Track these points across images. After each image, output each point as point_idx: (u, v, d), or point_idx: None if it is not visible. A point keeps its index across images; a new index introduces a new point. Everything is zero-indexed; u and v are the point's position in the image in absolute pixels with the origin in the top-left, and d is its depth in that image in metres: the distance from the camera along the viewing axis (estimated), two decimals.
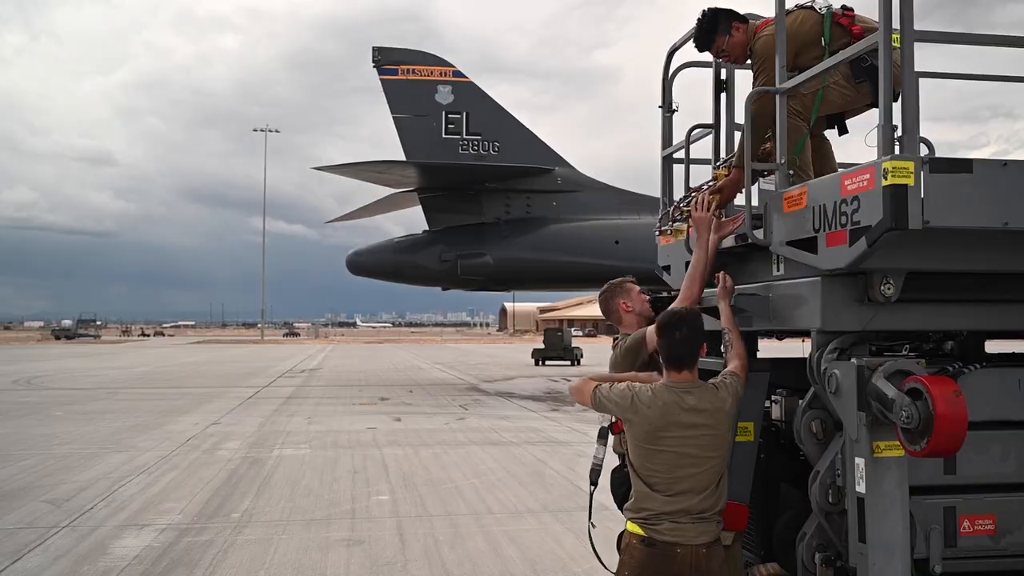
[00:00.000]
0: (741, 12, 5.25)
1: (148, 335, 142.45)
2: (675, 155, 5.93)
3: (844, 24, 4.90)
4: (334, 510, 9.91)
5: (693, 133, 5.45)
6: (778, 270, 4.64)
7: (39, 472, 12.18)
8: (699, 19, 5.23)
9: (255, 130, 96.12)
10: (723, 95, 5.28)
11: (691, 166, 5.54)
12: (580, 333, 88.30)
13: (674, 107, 6.01)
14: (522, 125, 30.50)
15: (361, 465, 12.87)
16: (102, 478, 11.72)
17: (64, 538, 8.52)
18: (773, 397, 4.70)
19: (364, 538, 8.62)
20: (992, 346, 5.10)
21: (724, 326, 4.60)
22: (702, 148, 5.61)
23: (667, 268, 5.91)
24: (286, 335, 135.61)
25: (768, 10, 4.85)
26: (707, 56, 5.48)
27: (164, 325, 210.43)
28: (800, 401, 4.35)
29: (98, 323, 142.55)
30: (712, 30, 5.19)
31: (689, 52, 5.77)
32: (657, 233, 6.08)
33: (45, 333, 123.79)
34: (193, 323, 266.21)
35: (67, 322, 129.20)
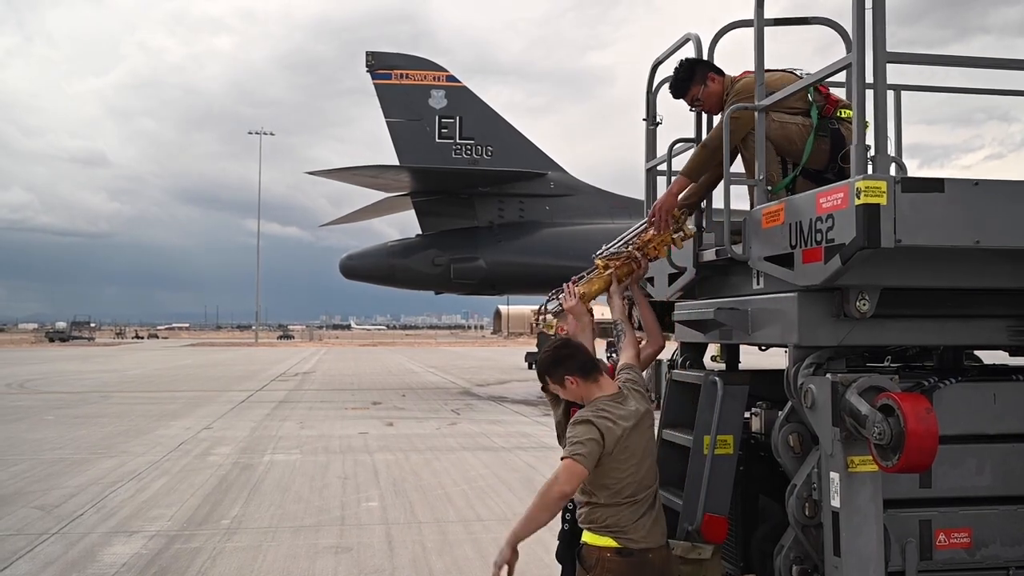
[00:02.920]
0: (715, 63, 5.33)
1: (142, 337, 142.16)
2: (659, 168, 5.99)
3: (822, 91, 4.98)
4: (323, 516, 9.94)
5: (675, 147, 5.51)
6: (758, 284, 4.70)
7: (30, 478, 12.19)
8: (676, 68, 5.34)
9: (250, 133, 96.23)
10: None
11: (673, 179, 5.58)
12: None
13: (658, 120, 6.07)
14: (515, 129, 30.57)
15: (352, 471, 12.90)
16: (93, 484, 11.73)
17: (53, 545, 8.54)
18: (753, 409, 4.75)
19: (352, 545, 8.65)
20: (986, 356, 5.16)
21: (615, 318, 4.74)
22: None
23: (651, 280, 5.96)
24: (280, 337, 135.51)
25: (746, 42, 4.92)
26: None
27: (158, 327, 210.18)
28: (779, 414, 4.40)
29: (92, 325, 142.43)
30: (688, 79, 5.28)
31: (673, 65, 5.85)
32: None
33: (39, 335, 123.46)
34: (187, 325, 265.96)
35: (61, 324, 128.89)
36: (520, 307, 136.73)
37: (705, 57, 5.34)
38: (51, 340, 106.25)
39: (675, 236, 5.08)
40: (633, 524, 4.02)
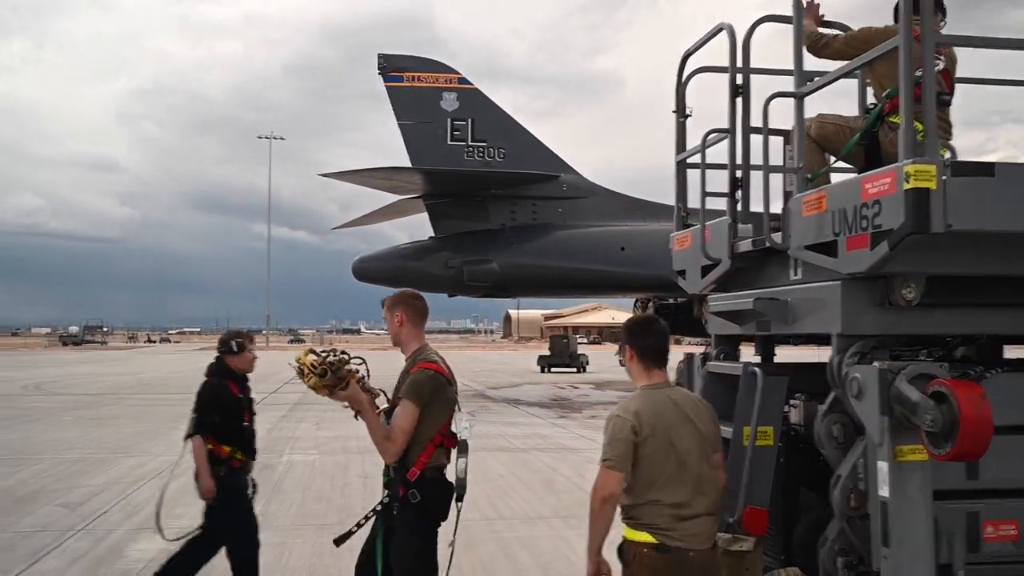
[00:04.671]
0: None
1: (154, 342, 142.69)
2: (689, 160, 5.94)
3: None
4: (346, 515, 9.89)
5: (709, 137, 5.46)
6: (796, 274, 4.65)
7: (52, 476, 12.21)
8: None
9: (260, 137, 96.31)
10: (739, 99, 5.28)
11: (707, 171, 5.54)
12: (585, 340, 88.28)
13: (688, 112, 6.03)
14: (527, 131, 30.58)
15: (372, 471, 12.82)
16: (115, 483, 11.76)
17: (80, 541, 8.58)
18: (792, 401, 4.70)
19: None
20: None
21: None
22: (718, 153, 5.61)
23: (682, 273, 5.91)
24: (291, 341, 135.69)
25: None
26: (723, 61, 5.49)
27: (170, 332, 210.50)
28: (820, 405, 4.34)
29: (105, 329, 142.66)
30: None
31: (702, 57, 5.82)
32: (673, 238, 6.07)
33: (52, 339, 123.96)
34: (199, 329, 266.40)
35: (74, 328, 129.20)
36: (531, 311, 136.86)
37: (739, 51, 5.28)
38: (64, 344, 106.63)
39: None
40: (675, 523, 3.95)
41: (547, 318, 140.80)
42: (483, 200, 29.38)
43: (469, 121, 29.66)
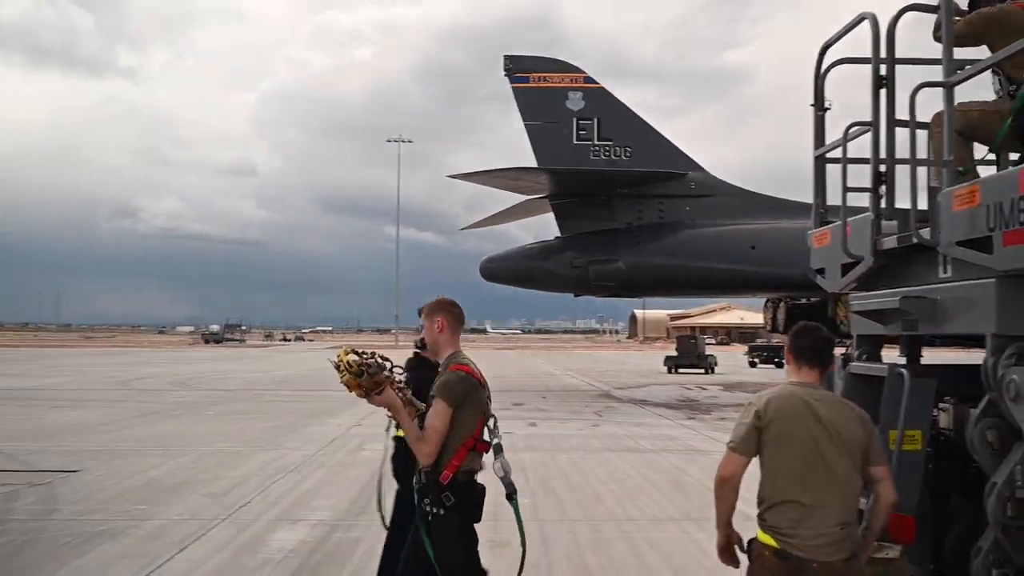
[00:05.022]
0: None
1: (289, 340, 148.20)
2: (828, 155, 5.77)
3: None
4: None
5: (851, 131, 5.28)
6: (945, 272, 4.46)
7: (197, 468, 12.81)
8: None
9: (389, 140, 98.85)
10: (883, 91, 5.09)
11: (848, 166, 5.36)
12: (713, 341, 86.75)
13: (827, 105, 5.86)
14: (654, 130, 30.26)
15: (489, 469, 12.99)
16: (255, 474, 12.24)
17: (224, 530, 8.95)
18: (941, 405, 4.51)
19: (507, 540, 8.67)
20: None
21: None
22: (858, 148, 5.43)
23: (821, 271, 5.74)
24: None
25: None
26: (865, 52, 5.31)
27: (304, 330, 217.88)
28: (972, 409, 4.15)
29: (243, 328, 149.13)
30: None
31: (841, 48, 5.64)
32: (810, 235, 5.91)
33: (195, 337, 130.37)
34: (331, 328, 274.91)
35: (215, 327, 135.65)
36: (656, 311, 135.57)
37: (883, 41, 5.09)
38: (206, 342, 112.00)
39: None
40: (796, 529, 3.80)
41: (673, 318, 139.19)
42: (609, 199, 29.28)
43: (595, 120, 29.59)
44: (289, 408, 22.72)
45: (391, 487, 6.93)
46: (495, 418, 4.80)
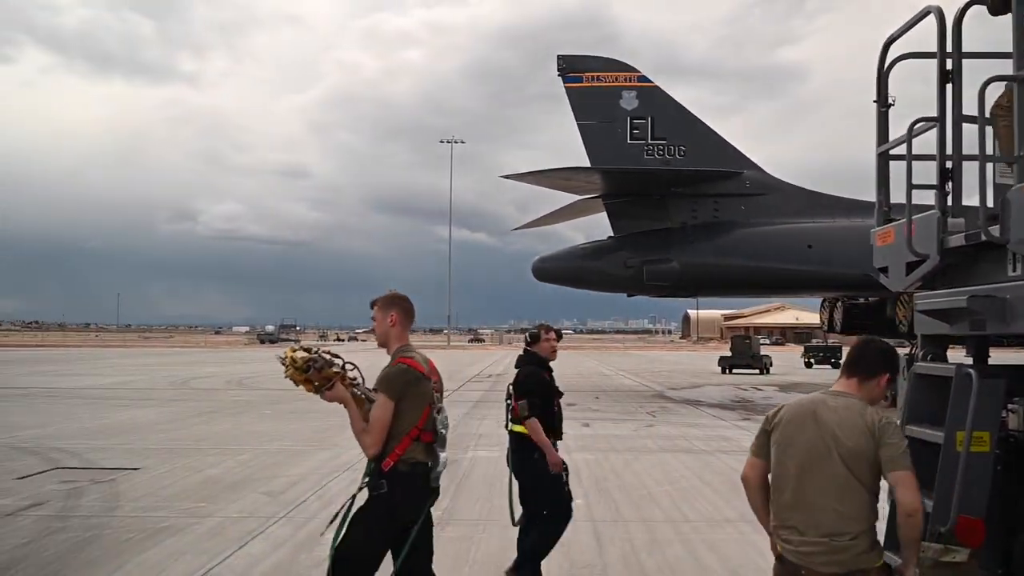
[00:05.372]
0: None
1: (343, 340, 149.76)
2: (892, 151, 5.65)
3: None
4: None
5: (916, 127, 5.16)
6: (1015, 270, 4.34)
7: (255, 466, 13.00)
8: None
9: (441, 141, 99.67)
10: (949, 86, 4.97)
11: (913, 162, 5.24)
12: (767, 341, 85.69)
13: (890, 101, 5.73)
14: (709, 128, 29.99)
15: None
16: (311, 473, 12.38)
17: (282, 528, 9.07)
18: (1010, 406, 4.40)
19: (562, 540, 8.66)
20: None
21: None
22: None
23: (884, 270, 5.63)
24: (471, 341, 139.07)
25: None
26: (930, 46, 5.20)
27: (357, 331, 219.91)
28: None
29: (297, 328, 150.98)
30: None
31: (905, 43, 5.52)
32: (874, 233, 5.79)
33: (251, 337, 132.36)
34: None
35: (270, 327, 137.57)
36: (710, 311, 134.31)
37: (948, 34, 4.98)
38: (262, 342, 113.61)
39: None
40: (790, 535, 3.80)
41: (727, 318, 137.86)
42: (663, 198, 29.10)
43: (649, 119, 29.43)
44: (343, 408, 22.90)
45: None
46: (443, 409, 4.91)
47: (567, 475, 7.21)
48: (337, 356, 5.09)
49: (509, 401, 7.19)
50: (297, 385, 5.00)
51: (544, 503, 7.04)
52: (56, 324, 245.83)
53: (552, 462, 6.97)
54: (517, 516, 7.23)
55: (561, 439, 7.31)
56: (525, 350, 7.44)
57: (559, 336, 7.80)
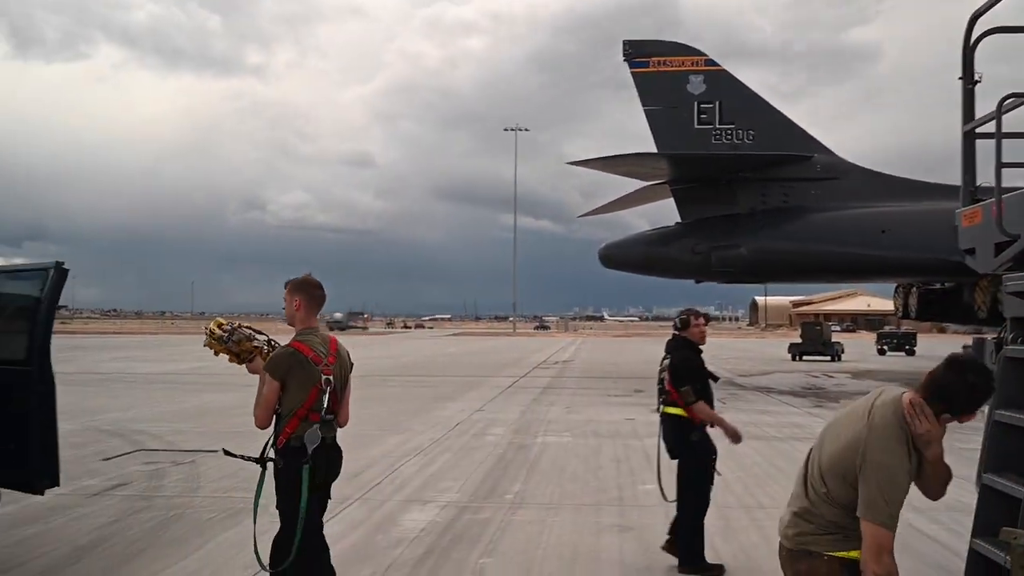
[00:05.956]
0: None
1: (410, 327, 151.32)
2: (978, 130, 5.51)
3: None
4: (602, 496, 10.07)
5: (1006, 103, 5.02)
6: None
7: None
8: None
9: (505, 129, 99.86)
10: None
11: (1003, 140, 5.10)
12: (838, 328, 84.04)
13: (976, 78, 5.59)
14: (778, 112, 29.47)
15: (623, 454, 12.97)
16: (384, 456, 12.56)
17: (358, 509, 9.23)
18: None
19: (634, 525, 8.69)
20: None
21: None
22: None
23: (971, 251, 5.49)
24: (537, 328, 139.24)
25: None
26: (1019, 21, 5.05)
27: (423, 318, 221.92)
28: None
29: (365, 316, 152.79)
30: None
31: (992, 19, 5.36)
32: (959, 214, 5.66)
33: (321, 325, 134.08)
34: (449, 316, 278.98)
35: (338, 315, 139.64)
36: (778, 298, 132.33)
37: None
38: (331, 329, 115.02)
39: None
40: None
41: (796, 305, 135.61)
42: (731, 184, 28.70)
43: (716, 104, 29.05)
44: (412, 393, 23.20)
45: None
46: (328, 391, 5.19)
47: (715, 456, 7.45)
48: (260, 333, 5.70)
49: (661, 385, 7.39)
50: (217, 354, 5.64)
51: (699, 480, 7.27)
52: (133, 312, 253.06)
53: (730, 433, 7.28)
54: (669, 495, 7.53)
55: None
56: (675, 335, 7.56)
57: (707, 320, 7.96)
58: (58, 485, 6.65)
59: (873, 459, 3.42)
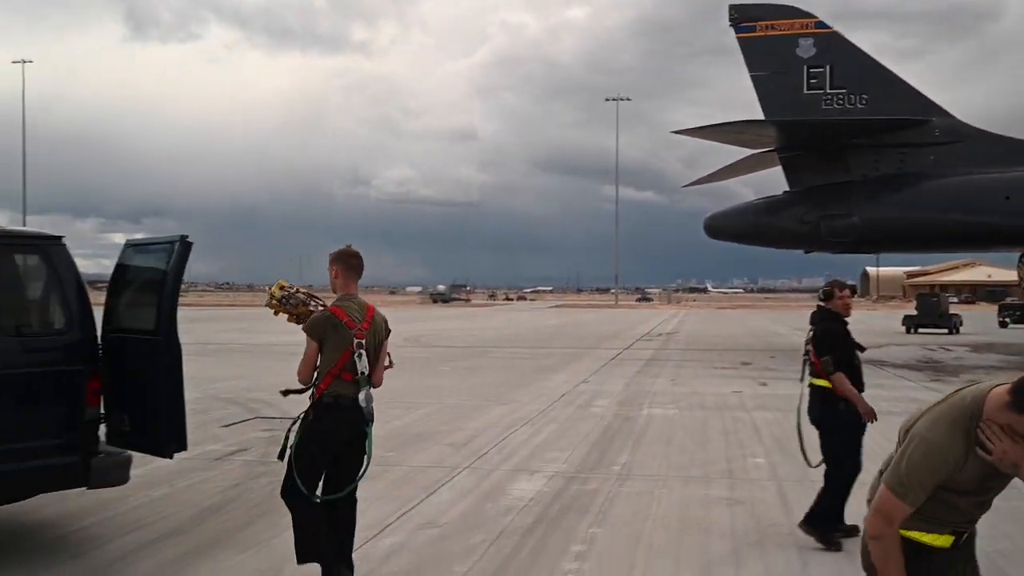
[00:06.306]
0: None
1: (512, 299, 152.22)
2: None
3: None
4: (711, 469, 9.96)
5: None
6: None
7: (437, 419, 13.44)
8: None
9: (607, 99, 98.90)
10: None
11: None
12: (955, 299, 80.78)
13: None
14: (893, 75, 28.38)
15: (731, 427, 12.80)
16: (490, 427, 12.69)
17: (467, 478, 9.36)
18: None
19: (745, 498, 8.58)
20: None
21: None
22: None
23: None
24: (638, 300, 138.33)
25: None
26: None
27: (525, 290, 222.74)
28: None
29: (467, 288, 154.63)
30: None
31: None
32: None
33: (423, 297, 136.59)
34: (551, 288, 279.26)
35: (441, 287, 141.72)
36: (891, 268, 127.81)
37: None
38: (434, 301, 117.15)
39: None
40: None
41: (910, 276, 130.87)
42: (842, 150, 27.81)
43: (827, 67, 28.15)
44: (516, 364, 23.38)
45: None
46: (362, 354, 5.57)
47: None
48: (316, 299, 6.11)
49: (806, 357, 7.45)
50: (276, 314, 6.19)
51: (846, 452, 7.27)
52: (246, 285, 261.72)
53: (864, 411, 7.19)
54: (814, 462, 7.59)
55: (863, 391, 7.38)
56: (819, 307, 7.60)
57: (853, 292, 7.95)
58: (185, 449, 6.93)
59: (917, 430, 3.20)
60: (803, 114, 27.64)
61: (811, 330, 7.50)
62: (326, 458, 5.72)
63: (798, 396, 7.77)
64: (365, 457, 5.78)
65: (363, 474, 5.83)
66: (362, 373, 5.59)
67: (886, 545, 3.20)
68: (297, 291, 6.11)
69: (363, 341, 5.63)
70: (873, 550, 3.25)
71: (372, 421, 5.71)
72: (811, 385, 7.44)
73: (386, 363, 6.00)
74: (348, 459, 5.76)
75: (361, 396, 5.60)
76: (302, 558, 5.73)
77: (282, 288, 6.10)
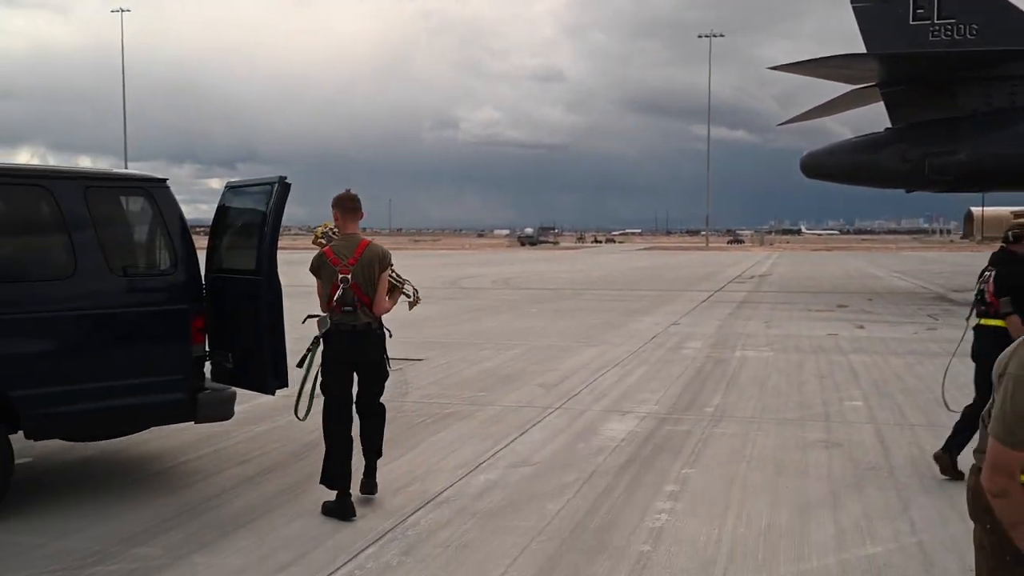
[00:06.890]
0: None
1: (600, 242, 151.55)
2: None
3: None
4: (806, 412, 9.80)
5: None
6: None
7: (527, 360, 13.53)
8: None
9: (700, 36, 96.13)
10: None
11: None
12: None
13: None
14: (1007, 2, 26.74)
15: (827, 370, 12.55)
16: (581, 368, 12.71)
17: (559, 418, 9.42)
18: None
19: (842, 441, 8.42)
20: None
21: None
22: None
23: None
24: (730, 242, 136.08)
25: None
26: None
27: (613, 232, 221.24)
28: None
29: (555, 231, 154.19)
30: None
31: None
32: None
33: (511, 240, 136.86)
34: (639, 231, 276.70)
35: (529, 230, 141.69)
36: (997, 208, 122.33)
37: None
38: (522, 244, 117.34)
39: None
40: None
41: (1017, 215, 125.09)
42: (949, 84, 26.47)
43: None
44: (606, 306, 23.30)
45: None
46: (345, 283, 6.22)
47: None
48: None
49: (980, 296, 7.39)
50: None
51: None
52: None
53: None
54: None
55: None
56: (1003, 248, 7.41)
57: None
58: (287, 386, 7.12)
59: (1011, 370, 3.02)
60: (908, 46, 26.39)
61: (987, 269, 7.36)
62: (339, 377, 6.36)
63: (958, 339, 7.86)
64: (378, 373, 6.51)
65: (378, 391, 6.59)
66: (347, 305, 6.23)
67: (1014, 501, 2.85)
68: (334, 231, 6.71)
69: (348, 276, 6.22)
70: (999, 509, 2.91)
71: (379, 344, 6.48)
72: (980, 326, 7.35)
73: (403, 295, 6.76)
74: (366, 377, 6.47)
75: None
76: (324, 479, 6.38)
77: (327, 225, 6.80)
